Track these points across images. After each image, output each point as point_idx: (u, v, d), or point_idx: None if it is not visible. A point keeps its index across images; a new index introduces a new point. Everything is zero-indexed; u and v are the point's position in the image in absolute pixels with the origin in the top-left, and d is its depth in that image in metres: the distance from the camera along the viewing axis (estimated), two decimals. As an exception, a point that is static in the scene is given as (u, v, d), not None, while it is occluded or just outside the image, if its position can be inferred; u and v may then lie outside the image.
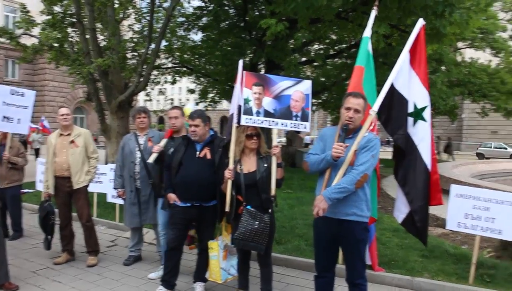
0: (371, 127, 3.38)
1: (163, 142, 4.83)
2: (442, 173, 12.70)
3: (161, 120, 63.53)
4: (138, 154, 5.08)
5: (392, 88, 3.78)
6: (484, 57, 21.36)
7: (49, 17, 9.96)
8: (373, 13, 4.48)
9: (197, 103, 18.85)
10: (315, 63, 16.79)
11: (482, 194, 4.71)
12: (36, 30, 11.01)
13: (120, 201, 6.78)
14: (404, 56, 3.92)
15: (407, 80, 3.91)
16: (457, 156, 30.14)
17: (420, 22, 4.04)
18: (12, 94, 5.92)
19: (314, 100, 18.35)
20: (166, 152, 4.70)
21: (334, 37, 14.59)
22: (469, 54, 22.32)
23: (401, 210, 4.48)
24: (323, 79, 17.22)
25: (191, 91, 18.81)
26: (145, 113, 5.17)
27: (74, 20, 9.82)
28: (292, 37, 11.35)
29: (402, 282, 4.72)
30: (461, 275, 4.77)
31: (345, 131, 3.21)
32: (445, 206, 4.78)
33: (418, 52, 4.00)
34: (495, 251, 5.79)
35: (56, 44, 10.38)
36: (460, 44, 21.24)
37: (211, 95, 18.06)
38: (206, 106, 18.89)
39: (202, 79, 17.83)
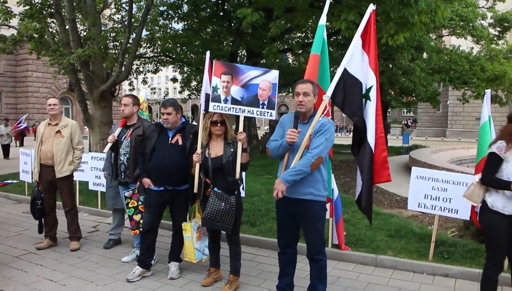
0: (325, 112, 3.58)
1: (117, 132, 5.05)
2: (419, 158, 13.08)
3: (149, 109, 63.09)
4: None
5: (345, 72, 3.98)
6: (466, 45, 21.64)
7: (27, 7, 9.93)
8: (328, 1, 4.61)
9: (180, 92, 18.91)
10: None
11: (440, 175, 5.00)
12: (14, 21, 10.97)
13: (101, 188, 7.04)
14: (356, 41, 4.12)
15: (360, 63, 4.11)
16: (441, 142, 30.53)
17: (371, 7, 4.23)
18: None
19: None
20: (120, 140, 4.97)
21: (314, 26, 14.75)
22: (453, 42, 22.56)
23: (357, 189, 4.70)
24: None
25: (174, 80, 18.86)
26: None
27: (52, 10, 9.79)
28: (269, 26, 11.53)
29: (367, 259, 5.01)
30: (422, 252, 5.06)
31: (298, 117, 3.44)
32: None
33: (368, 35, 4.21)
34: (458, 230, 6.09)
35: (35, 35, 10.37)
36: (443, 32, 21.47)
37: (194, 83, 18.12)
38: (189, 95, 18.97)
39: (185, 68, 17.90)
